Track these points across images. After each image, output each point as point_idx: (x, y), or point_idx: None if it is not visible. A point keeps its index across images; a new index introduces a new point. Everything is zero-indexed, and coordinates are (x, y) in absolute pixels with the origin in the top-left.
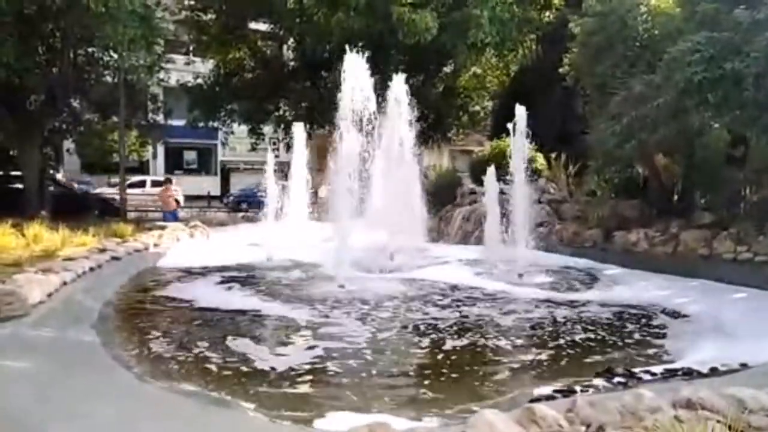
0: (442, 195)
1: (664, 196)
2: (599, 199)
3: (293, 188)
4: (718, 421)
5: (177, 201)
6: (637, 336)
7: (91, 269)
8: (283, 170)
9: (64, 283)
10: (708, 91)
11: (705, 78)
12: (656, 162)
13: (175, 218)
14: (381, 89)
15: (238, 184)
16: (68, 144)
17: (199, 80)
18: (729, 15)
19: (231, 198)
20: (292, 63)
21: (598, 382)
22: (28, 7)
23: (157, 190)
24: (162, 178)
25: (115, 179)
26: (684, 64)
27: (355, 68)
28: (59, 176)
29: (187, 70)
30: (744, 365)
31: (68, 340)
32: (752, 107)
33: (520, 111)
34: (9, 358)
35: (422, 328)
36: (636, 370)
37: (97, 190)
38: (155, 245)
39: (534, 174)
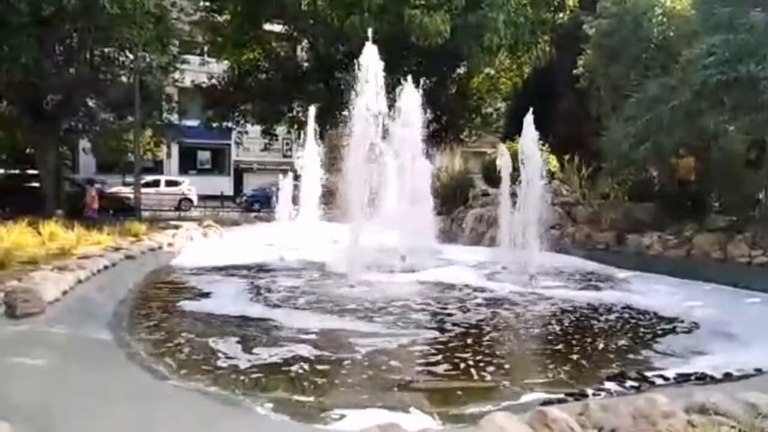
0: (455, 196)
1: (678, 199)
2: (612, 201)
3: (305, 188)
4: (732, 427)
5: (190, 200)
6: (648, 339)
7: (106, 267)
8: (295, 170)
9: (79, 281)
10: (723, 93)
11: (720, 80)
12: (671, 165)
13: (93, 218)
14: (394, 91)
15: (252, 184)
16: (84, 143)
17: (214, 81)
18: (744, 18)
19: (244, 198)
20: (305, 64)
21: (611, 385)
22: (46, 9)
23: (171, 189)
24: (176, 178)
25: (130, 179)
26: (699, 67)
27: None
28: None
29: (201, 70)
30: (758, 370)
31: (83, 338)
32: None
33: (531, 114)
34: (25, 355)
35: (431, 329)
36: (649, 374)
37: (112, 190)
38: (169, 244)
39: (547, 176)
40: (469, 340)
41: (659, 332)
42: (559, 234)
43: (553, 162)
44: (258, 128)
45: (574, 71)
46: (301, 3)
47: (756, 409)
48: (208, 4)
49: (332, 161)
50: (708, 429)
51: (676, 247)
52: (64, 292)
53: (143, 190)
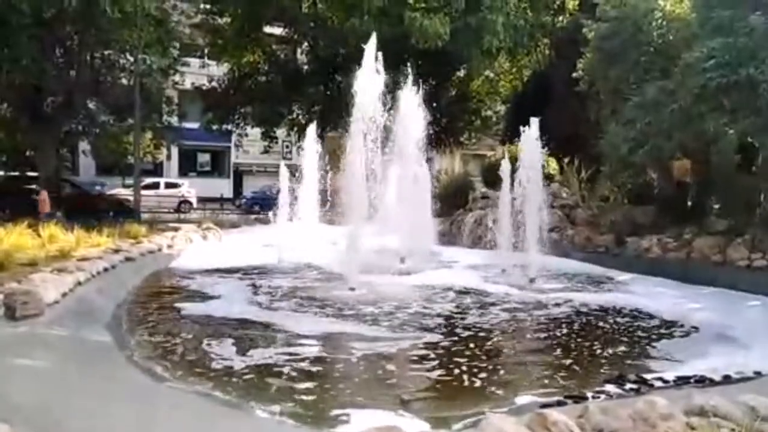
0: (454, 199)
1: (677, 202)
2: (612, 204)
3: (305, 191)
4: (732, 429)
5: (190, 202)
6: (647, 342)
7: (105, 269)
8: (294, 173)
9: (79, 283)
10: (723, 96)
11: (720, 84)
12: (670, 168)
13: (49, 218)
14: (394, 93)
15: (251, 186)
16: (84, 146)
17: (214, 83)
18: (744, 21)
19: (243, 200)
20: (305, 66)
21: (610, 388)
22: (47, 11)
23: (170, 191)
24: (175, 181)
25: (129, 180)
26: (699, 70)
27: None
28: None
29: (201, 73)
30: (758, 373)
31: (82, 340)
32: (767, 113)
33: (532, 116)
34: (24, 356)
35: (432, 332)
36: (648, 376)
37: (112, 192)
38: (169, 246)
39: (546, 179)
40: (471, 344)
41: (659, 335)
42: (558, 237)
43: (553, 165)
44: (258, 131)
45: (574, 74)
46: (302, 5)
47: (755, 411)
48: (208, 6)
49: (332, 163)
50: (707, 431)
51: (675, 250)
52: (64, 294)
53: (143, 192)
